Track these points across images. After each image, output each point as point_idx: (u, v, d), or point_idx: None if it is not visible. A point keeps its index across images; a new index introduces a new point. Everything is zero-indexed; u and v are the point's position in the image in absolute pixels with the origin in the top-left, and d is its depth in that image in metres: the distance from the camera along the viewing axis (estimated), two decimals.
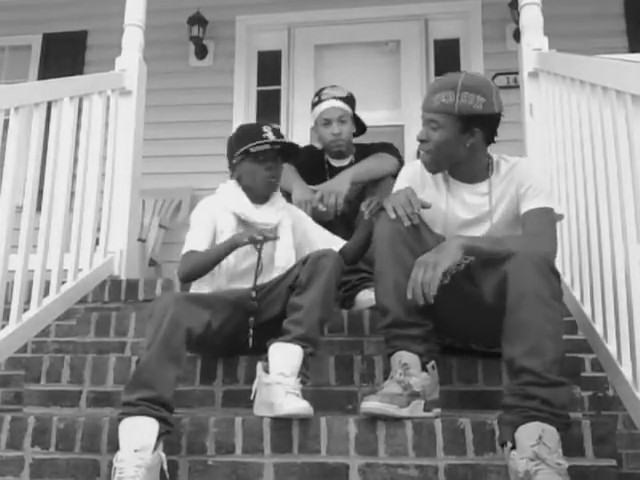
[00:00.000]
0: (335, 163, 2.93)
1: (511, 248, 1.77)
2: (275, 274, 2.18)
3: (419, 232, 1.92)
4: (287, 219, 2.30)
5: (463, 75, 1.97)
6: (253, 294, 2.10)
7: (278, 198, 2.33)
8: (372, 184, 2.73)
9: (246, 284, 2.15)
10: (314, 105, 2.95)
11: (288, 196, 2.68)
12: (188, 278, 2.17)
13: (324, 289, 1.97)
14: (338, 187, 2.67)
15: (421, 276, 1.74)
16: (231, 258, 2.14)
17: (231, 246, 2.08)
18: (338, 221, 2.73)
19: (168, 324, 1.78)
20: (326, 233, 2.38)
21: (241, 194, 2.26)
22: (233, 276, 2.19)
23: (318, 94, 2.96)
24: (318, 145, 3.06)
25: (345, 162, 2.92)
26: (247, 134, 2.26)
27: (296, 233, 2.31)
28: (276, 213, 2.27)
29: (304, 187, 2.72)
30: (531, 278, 1.64)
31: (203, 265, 2.11)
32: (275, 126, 2.28)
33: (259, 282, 2.17)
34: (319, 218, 2.59)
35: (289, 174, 2.80)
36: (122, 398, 1.74)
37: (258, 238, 2.02)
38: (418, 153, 2.07)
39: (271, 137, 2.20)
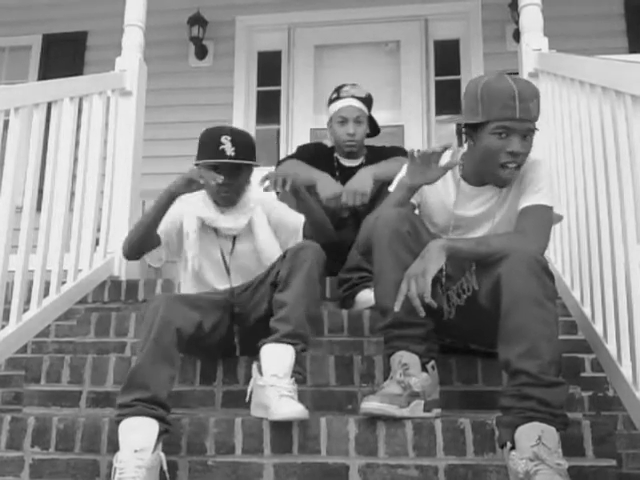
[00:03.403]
0: (345, 163, 2.92)
1: (495, 247, 1.76)
2: (258, 272, 2.18)
3: (418, 233, 1.91)
4: (260, 216, 2.24)
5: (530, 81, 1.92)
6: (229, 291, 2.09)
7: (247, 199, 2.25)
8: (386, 185, 2.73)
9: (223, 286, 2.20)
10: (332, 101, 2.93)
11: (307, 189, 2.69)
12: (129, 247, 2.15)
13: (307, 282, 1.96)
14: (362, 187, 2.66)
15: (414, 288, 1.72)
16: (195, 265, 2.18)
17: (169, 195, 2.04)
18: (351, 221, 2.73)
19: (158, 325, 1.79)
20: (294, 213, 2.31)
21: (208, 199, 2.22)
22: (201, 280, 2.23)
23: (337, 90, 2.93)
24: (328, 142, 3.05)
25: (356, 163, 2.91)
26: (204, 143, 2.18)
27: (272, 223, 2.27)
28: (244, 216, 2.22)
29: (330, 181, 2.71)
30: (524, 280, 1.63)
31: (141, 225, 2.10)
32: (238, 133, 2.17)
33: (240, 282, 2.18)
34: (339, 213, 2.62)
35: (302, 168, 2.78)
36: (118, 400, 1.74)
37: (197, 179, 1.98)
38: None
39: (228, 150, 2.10)
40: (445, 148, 1.91)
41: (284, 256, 2.04)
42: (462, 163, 2.03)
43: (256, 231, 2.22)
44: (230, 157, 2.11)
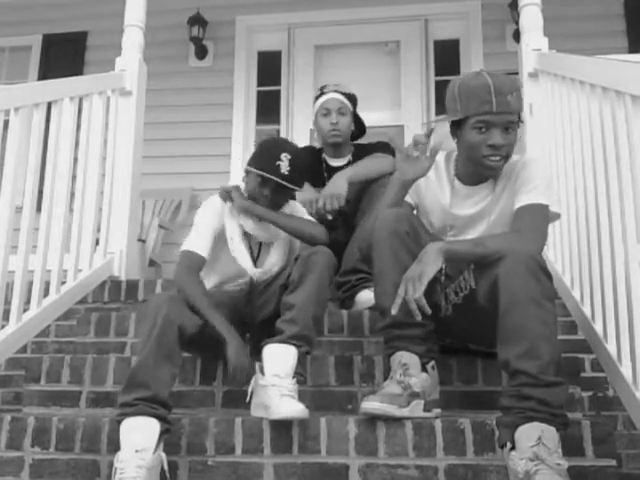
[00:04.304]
0: (333, 162, 2.93)
1: (492, 248, 1.76)
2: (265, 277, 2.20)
3: (417, 233, 1.92)
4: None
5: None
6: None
7: (285, 207, 2.26)
8: (370, 183, 2.74)
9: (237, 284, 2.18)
10: (316, 98, 2.97)
11: None
12: (177, 288, 2.07)
13: (316, 286, 1.98)
14: (337, 190, 2.67)
15: (411, 291, 1.73)
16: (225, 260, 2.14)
17: (219, 334, 1.96)
18: (339, 221, 2.74)
19: (161, 324, 1.78)
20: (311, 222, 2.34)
21: None
22: (225, 277, 2.20)
23: (321, 89, 2.98)
24: (316, 144, 3.06)
25: (343, 161, 2.92)
26: (263, 153, 2.17)
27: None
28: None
29: (307, 187, 2.73)
30: (522, 280, 1.63)
31: (192, 303, 1.96)
32: (296, 154, 2.15)
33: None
34: (322, 218, 2.61)
35: None
36: (119, 399, 1.74)
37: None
38: None
39: (283, 168, 2.10)
40: (427, 135, 1.91)
41: (296, 259, 2.06)
42: (456, 163, 2.04)
43: (276, 243, 2.23)
44: (283, 175, 2.10)
